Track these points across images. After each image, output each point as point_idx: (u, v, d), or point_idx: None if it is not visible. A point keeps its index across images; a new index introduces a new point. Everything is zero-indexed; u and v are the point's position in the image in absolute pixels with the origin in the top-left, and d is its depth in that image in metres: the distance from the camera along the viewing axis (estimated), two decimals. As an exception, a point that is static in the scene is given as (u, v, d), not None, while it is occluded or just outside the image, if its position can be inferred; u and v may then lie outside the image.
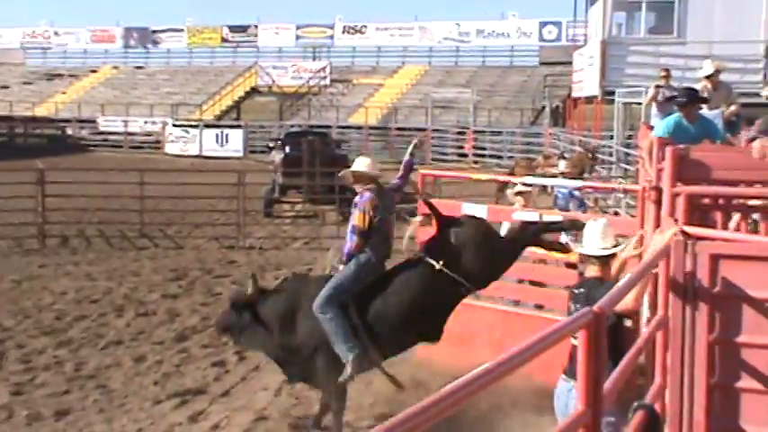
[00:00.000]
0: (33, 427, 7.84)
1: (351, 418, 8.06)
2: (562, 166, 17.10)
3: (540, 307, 9.53)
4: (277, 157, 22.84)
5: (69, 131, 46.65)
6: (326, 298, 7.45)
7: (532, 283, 9.70)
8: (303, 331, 7.58)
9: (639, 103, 22.16)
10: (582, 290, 5.88)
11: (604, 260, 5.90)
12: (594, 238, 5.91)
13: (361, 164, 7.92)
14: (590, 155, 21.51)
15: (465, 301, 7.98)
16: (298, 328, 7.61)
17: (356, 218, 7.65)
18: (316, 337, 7.50)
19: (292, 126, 37.83)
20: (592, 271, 5.94)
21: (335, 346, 7.43)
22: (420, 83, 46.43)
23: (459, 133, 38.61)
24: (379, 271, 7.75)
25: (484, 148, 37.38)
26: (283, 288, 8.02)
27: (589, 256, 5.94)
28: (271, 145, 25.54)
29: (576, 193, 12.97)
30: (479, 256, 7.50)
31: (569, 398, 5.39)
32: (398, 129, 40.95)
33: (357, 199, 7.75)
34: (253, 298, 7.73)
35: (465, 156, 37.14)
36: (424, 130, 39.77)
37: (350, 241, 7.68)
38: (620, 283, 4.60)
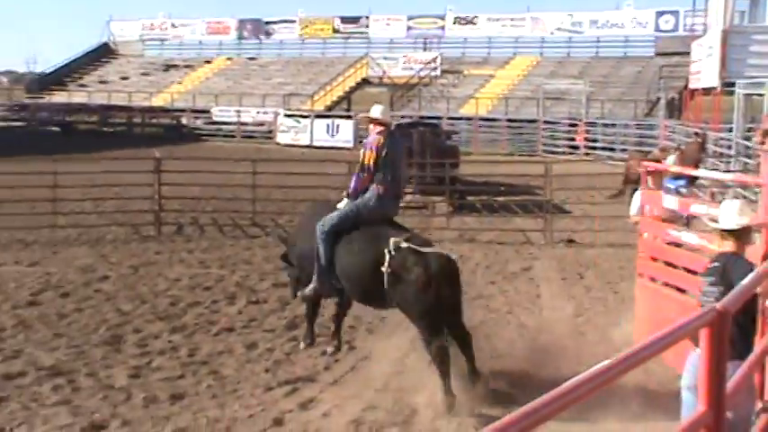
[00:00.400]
0: (150, 410, 8.00)
1: (459, 409, 8.02)
2: (671, 161, 16.58)
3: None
4: (387, 147, 22.85)
5: (184, 121, 47.68)
6: (330, 226, 8.53)
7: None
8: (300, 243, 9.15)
9: (761, 95, 21.47)
10: (717, 264, 5.91)
11: (740, 235, 6.04)
12: (731, 213, 6.06)
13: (375, 111, 8.89)
14: (699, 140, 20.92)
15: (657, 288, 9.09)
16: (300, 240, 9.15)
17: (364, 156, 8.60)
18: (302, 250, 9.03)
19: (402, 117, 37.88)
20: (727, 246, 6.05)
21: (315, 264, 8.64)
22: (531, 74, 45.97)
23: (571, 125, 38.08)
24: (384, 211, 8.71)
25: (596, 141, 36.78)
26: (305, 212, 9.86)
27: (725, 230, 6.08)
28: (381, 135, 25.58)
29: (684, 190, 12.55)
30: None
31: None
32: (509, 120, 40.67)
33: (366, 140, 8.81)
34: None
35: (576, 148, 36.61)
36: (534, 121, 39.45)
37: (356, 179, 8.66)
38: (747, 279, 4.45)
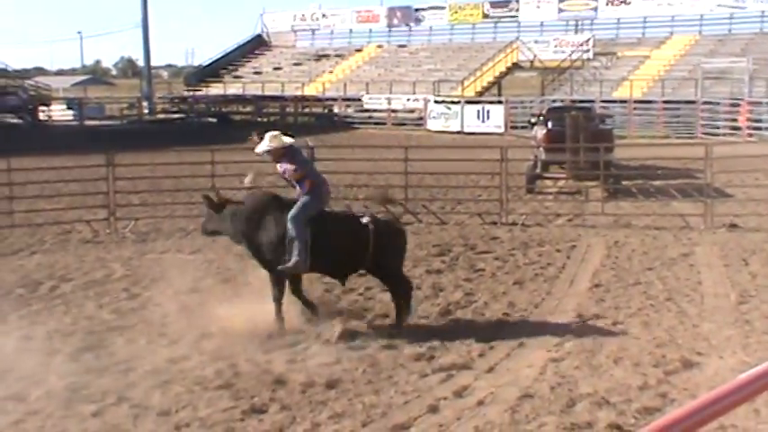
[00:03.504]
0: (307, 395, 8.11)
1: (617, 399, 7.83)
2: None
3: None
4: (539, 132, 22.60)
5: (336, 110, 48.34)
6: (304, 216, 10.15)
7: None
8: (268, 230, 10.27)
9: None
10: None
11: None
12: None
13: (263, 144, 10.41)
14: None
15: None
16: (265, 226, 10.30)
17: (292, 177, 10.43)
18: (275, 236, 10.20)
19: (554, 101, 37.39)
20: None
21: (294, 245, 10.03)
22: (689, 53, 44.53)
23: (733, 105, 36.72)
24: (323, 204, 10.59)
25: (760, 121, 35.37)
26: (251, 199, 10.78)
27: None
28: (532, 120, 25.33)
29: None
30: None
31: None
32: (665, 102, 39.57)
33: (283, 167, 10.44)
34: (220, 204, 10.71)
35: (739, 129, 35.31)
36: (693, 102, 38.23)
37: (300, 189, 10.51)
38: None
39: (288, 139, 10.47)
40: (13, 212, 17.07)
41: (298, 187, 10.39)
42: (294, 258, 10.04)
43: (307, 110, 49.86)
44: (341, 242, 10.20)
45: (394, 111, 45.70)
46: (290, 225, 10.08)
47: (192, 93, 56.83)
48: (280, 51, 60.28)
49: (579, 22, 49.90)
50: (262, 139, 10.49)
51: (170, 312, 10.86)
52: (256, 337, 9.70)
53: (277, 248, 10.16)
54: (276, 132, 10.51)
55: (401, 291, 10.39)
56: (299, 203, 10.23)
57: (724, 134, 35.24)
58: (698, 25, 46.95)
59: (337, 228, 10.38)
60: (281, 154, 10.33)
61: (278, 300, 10.29)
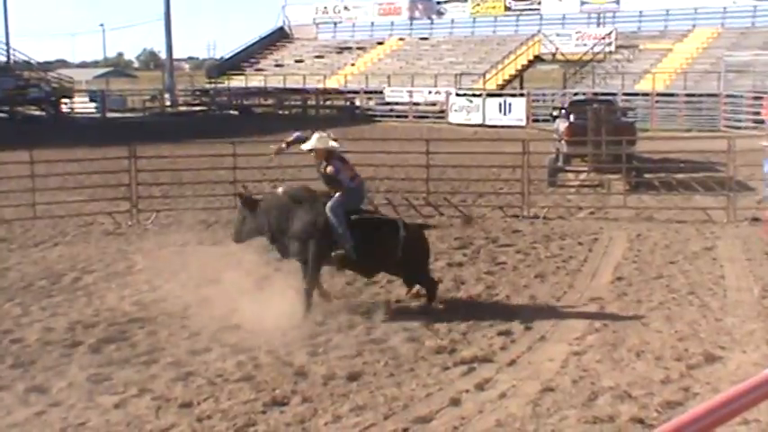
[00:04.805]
0: (328, 387, 8.12)
1: (639, 393, 7.80)
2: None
3: None
4: (561, 125, 22.54)
5: (357, 102, 48.30)
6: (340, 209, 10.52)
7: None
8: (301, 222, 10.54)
9: None
10: None
11: None
12: None
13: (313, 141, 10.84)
14: None
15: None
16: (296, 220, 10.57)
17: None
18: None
19: (576, 94, 37.23)
20: None
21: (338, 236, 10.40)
22: (712, 46, 44.19)
23: (755, 98, 36.43)
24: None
25: (783, 114, 35.06)
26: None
27: None
28: (554, 113, 25.24)
29: None
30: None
31: None
32: (688, 95, 39.34)
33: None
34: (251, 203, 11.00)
35: (761, 122, 35.02)
36: (715, 95, 37.97)
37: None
38: None
39: (333, 144, 10.94)
40: (36, 204, 17.15)
41: (342, 183, 10.66)
42: (345, 248, 10.46)
43: (328, 102, 49.83)
44: (374, 243, 10.56)
45: (415, 104, 45.61)
46: (330, 216, 10.44)
47: (213, 85, 56.94)
48: (301, 44, 60.26)
49: (601, 15, 49.61)
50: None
51: (191, 304, 10.90)
52: (277, 330, 9.72)
53: (314, 239, 10.45)
54: (325, 134, 11.01)
55: (427, 289, 10.95)
56: (338, 196, 10.59)
57: (746, 127, 34.96)
58: (721, 18, 46.58)
59: (371, 228, 10.72)
60: (325, 155, 10.78)
61: (309, 293, 10.52)
